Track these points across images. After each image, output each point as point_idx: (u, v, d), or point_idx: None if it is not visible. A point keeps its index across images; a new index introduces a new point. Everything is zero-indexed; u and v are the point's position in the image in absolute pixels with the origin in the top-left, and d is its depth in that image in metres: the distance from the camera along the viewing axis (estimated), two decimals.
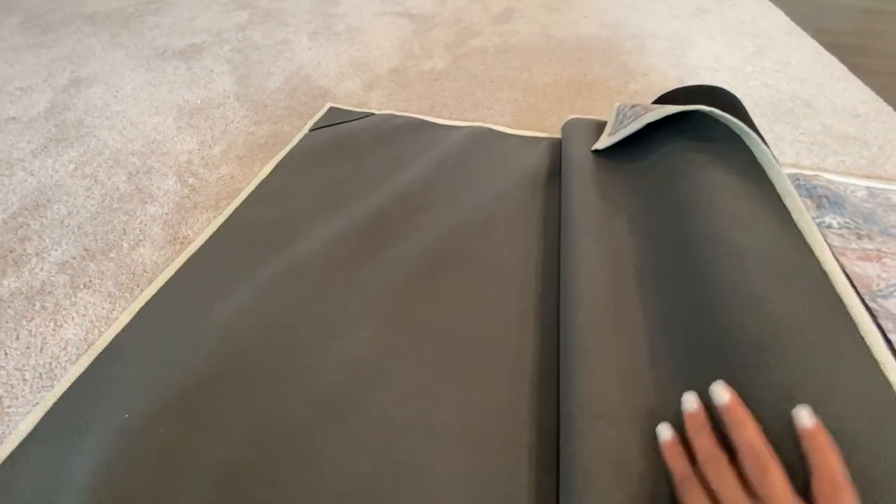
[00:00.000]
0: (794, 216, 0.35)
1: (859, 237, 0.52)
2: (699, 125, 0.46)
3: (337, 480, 0.32)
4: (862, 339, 0.28)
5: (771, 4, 1.16)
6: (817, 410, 0.24)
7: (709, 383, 0.28)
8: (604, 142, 0.52)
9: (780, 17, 1.10)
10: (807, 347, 0.28)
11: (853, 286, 0.31)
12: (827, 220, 0.54)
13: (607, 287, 0.38)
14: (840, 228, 0.53)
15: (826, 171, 0.63)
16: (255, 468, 0.33)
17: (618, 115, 0.54)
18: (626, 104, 0.55)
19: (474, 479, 0.32)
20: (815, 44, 0.98)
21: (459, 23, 1.05)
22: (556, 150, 0.61)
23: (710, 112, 0.44)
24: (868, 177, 0.62)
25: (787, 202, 0.36)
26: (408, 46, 0.95)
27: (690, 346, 0.32)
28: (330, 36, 0.99)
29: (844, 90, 0.81)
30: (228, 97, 0.77)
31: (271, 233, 0.51)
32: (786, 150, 0.67)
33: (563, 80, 0.82)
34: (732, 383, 0.27)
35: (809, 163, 0.64)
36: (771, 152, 0.41)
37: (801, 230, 0.34)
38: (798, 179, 0.60)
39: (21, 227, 0.53)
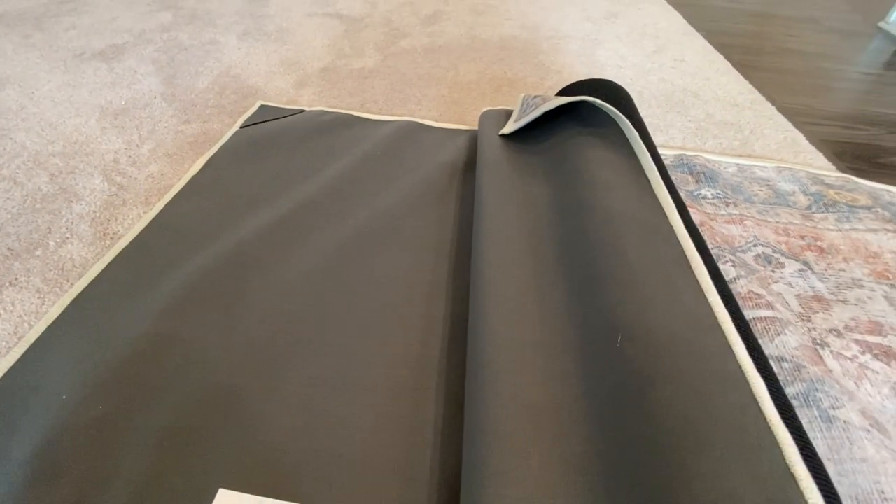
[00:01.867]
0: (652, 185, 0.43)
1: (727, 204, 0.62)
2: (586, 113, 0.53)
3: (272, 437, 0.36)
4: (693, 274, 0.35)
5: (671, 9, 1.30)
6: (657, 326, 0.31)
7: (587, 313, 0.34)
8: (509, 127, 0.59)
9: (678, 20, 1.23)
10: (654, 282, 0.35)
11: (696, 238, 0.39)
12: (703, 192, 0.64)
13: (510, 246, 0.44)
14: (713, 198, 0.63)
15: (706, 151, 0.73)
16: (192, 432, 0.36)
17: (522, 104, 0.61)
18: (531, 95, 0.62)
19: (396, 425, 0.37)
20: (706, 43, 1.11)
21: (389, 24, 1.09)
22: (475, 141, 0.67)
23: (594, 102, 0.51)
24: (739, 155, 0.72)
25: (648, 175, 0.44)
26: (339, 46, 0.98)
27: (573, 286, 0.38)
28: (260, 36, 1.00)
29: (727, 83, 0.93)
30: (155, 97, 0.77)
31: (204, 224, 0.53)
32: (675, 135, 0.76)
33: (486, 77, 0.89)
34: (603, 311, 0.34)
35: (694, 145, 0.74)
36: (642, 134, 0.49)
37: (657, 196, 0.42)
38: (682, 159, 0.69)
39: None
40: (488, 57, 0.97)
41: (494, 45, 1.02)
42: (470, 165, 0.63)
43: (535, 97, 0.61)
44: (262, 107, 0.75)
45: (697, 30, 1.18)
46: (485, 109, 0.70)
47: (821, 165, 0.71)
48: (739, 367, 0.30)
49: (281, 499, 0.33)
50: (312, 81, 0.84)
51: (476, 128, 0.71)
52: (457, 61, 0.94)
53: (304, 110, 0.75)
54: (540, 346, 0.37)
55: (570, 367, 0.35)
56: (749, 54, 1.11)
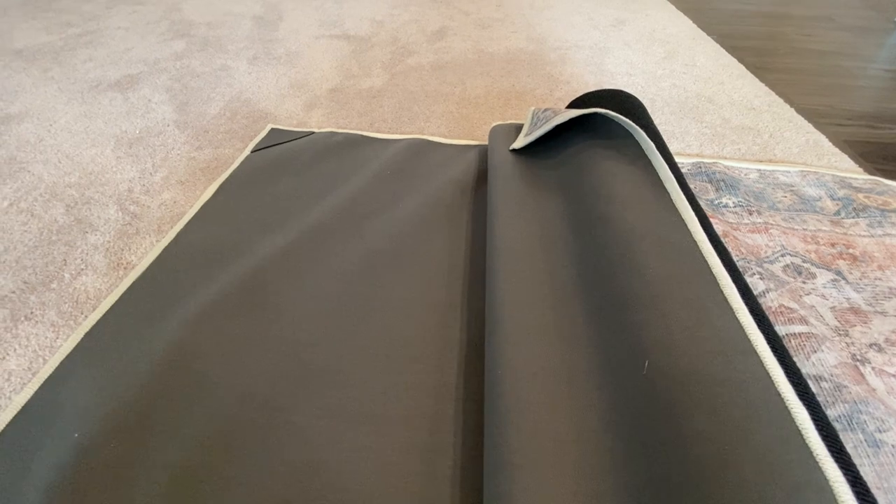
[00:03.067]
0: (672, 197, 0.41)
1: (750, 213, 0.59)
2: (599, 125, 0.52)
3: (286, 472, 0.35)
4: (721, 292, 0.33)
5: (679, 13, 1.28)
6: (685, 352, 0.29)
7: (608, 337, 0.32)
8: (520, 142, 0.58)
9: (687, 25, 1.21)
10: (679, 302, 0.33)
11: (721, 252, 0.37)
12: (724, 200, 0.62)
13: (525, 266, 0.42)
14: (735, 207, 0.60)
15: (724, 158, 0.71)
16: (205, 468, 0.35)
17: (532, 118, 0.60)
18: (540, 108, 0.61)
19: (413, 456, 0.36)
20: (718, 47, 1.09)
21: (396, 42, 1.10)
22: (486, 156, 0.67)
23: (606, 114, 0.50)
24: (760, 161, 0.70)
25: (667, 186, 0.42)
26: (346, 66, 0.98)
27: (592, 308, 0.36)
28: (269, 60, 1.01)
29: (742, 87, 0.91)
30: (168, 125, 0.78)
31: (217, 250, 0.53)
32: (691, 142, 0.74)
33: (493, 91, 0.88)
34: (625, 335, 0.32)
35: (711, 151, 0.72)
36: (658, 144, 0.47)
37: (677, 209, 0.40)
38: (700, 167, 0.67)
39: None
40: (495, 71, 0.96)
41: (501, 59, 1.01)
42: (481, 181, 0.62)
43: (546, 110, 0.60)
44: (272, 130, 0.75)
45: (708, 33, 1.17)
46: (494, 124, 0.69)
47: (847, 168, 0.68)
48: (779, 395, 0.27)
49: None
50: (322, 103, 0.85)
51: (486, 142, 0.71)
52: (464, 77, 0.94)
53: (314, 132, 0.75)
54: (560, 373, 0.35)
55: (593, 396, 0.33)
56: (763, 56, 1.09)
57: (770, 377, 0.28)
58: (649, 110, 0.80)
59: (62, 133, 0.76)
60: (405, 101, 0.85)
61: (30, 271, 0.52)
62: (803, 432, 0.25)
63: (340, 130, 0.75)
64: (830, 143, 0.73)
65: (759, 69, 1.00)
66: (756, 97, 0.87)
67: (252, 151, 0.70)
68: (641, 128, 0.49)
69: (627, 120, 0.48)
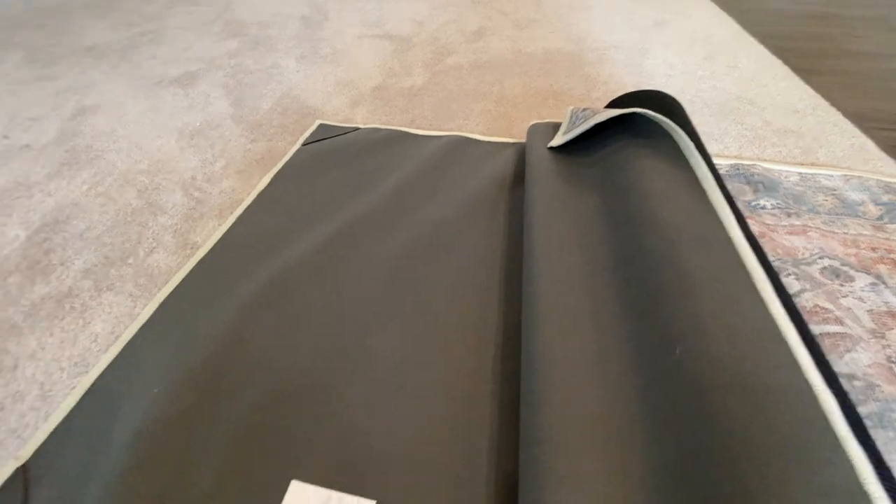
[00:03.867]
0: (709, 195, 0.43)
1: (788, 215, 0.60)
2: (638, 125, 0.54)
3: (339, 435, 0.38)
4: (754, 286, 0.35)
5: (723, 14, 1.26)
6: (716, 338, 0.31)
7: (642, 325, 0.35)
8: (558, 140, 0.60)
9: (730, 25, 1.19)
10: (712, 294, 0.35)
11: (756, 249, 0.39)
12: (761, 202, 0.62)
13: (562, 258, 0.45)
14: (772, 209, 0.61)
15: (764, 160, 0.70)
16: (266, 427, 0.39)
17: (571, 117, 0.62)
18: (579, 107, 0.63)
19: (453, 429, 0.39)
20: (763, 48, 1.07)
21: (436, 42, 1.13)
22: (523, 153, 0.69)
23: (645, 113, 0.52)
24: (801, 164, 0.70)
25: (705, 185, 0.44)
26: (389, 66, 1.02)
27: (627, 297, 0.38)
28: (316, 59, 1.06)
29: (786, 89, 0.90)
30: (225, 119, 0.84)
31: (272, 236, 0.58)
32: (730, 144, 0.74)
33: (531, 90, 0.90)
34: (658, 323, 0.34)
35: (751, 154, 0.72)
36: (697, 144, 0.48)
37: (714, 206, 0.42)
38: (738, 168, 0.68)
39: (44, 241, 0.59)
40: (533, 70, 0.98)
41: (539, 59, 1.03)
42: (518, 178, 0.65)
43: (585, 110, 0.62)
44: (320, 125, 0.80)
45: (752, 34, 1.14)
46: (532, 122, 0.71)
47: (893, 173, 0.67)
48: (806, 381, 0.29)
49: (347, 493, 0.35)
50: (366, 100, 0.89)
51: (523, 140, 0.73)
52: (502, 76, 0.96)
53: (359, 128, 0.79)
54: (595, 357, 0.37)
55: (625, 378, 0.35)
56: (809, 58, 1.06)
57: (798, 364, 0.30)
58: (688, 111, 0.80)
59: (132, 124, 0.83)
60: (445, 100, 0.88)
61: (109, 248, 0.58)
62: (828, 416, 0.27)
63: (384, 127, 0.79)
64: (877, 148, 0.72)
65: (805, 71, 0.98)
66: (800, 100, 0.86)
67: (302, 145, 0.75)
68: (680, 128, 0.50)
69: (667, 119, 0.50)
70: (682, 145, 0.48)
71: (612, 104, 0.64)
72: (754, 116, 0.81)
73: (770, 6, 1.39)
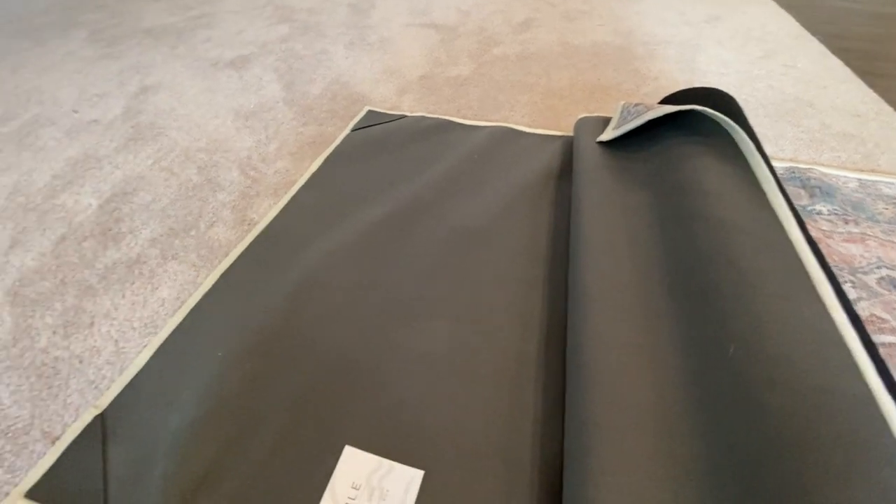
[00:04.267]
0: (769, 197, 0.42)
1: (846, 222, 0.58)
2: (694, 122, 0.53)
3: (391, 406, 0.40)
4: (815, 289, 0.34)
5: (781, 11, 1.21)
6: (774, 339, 0.31)
7: (694, 321, 0.35)
8: (608, 134, 0.60)
9: (789, 23, 1.15)
10: (770, 295, 0.34)
11: (817, 253, 0.38)
12: (818, 207, 0.60)
13: (610, 252, 0.45)
14: (829, 215, 0.59)
15: (822, 164, 0.68)
16: (322, 394, 0.41)
17: (622, 112, 0.62)
18: (631, 102, 0.63)
19: (498, 410, 0.40)
20: (823, 48, 1.03)
21: (482, 32, 1.13)
22: (570, 147, 0.69)
23: (703, 111, 0.51)
24: (861, 170, 0.67)
25: (764, 186, 0.43)
26: (435, 55, 1.03)
27: (678, 294, 0.39)
28: (364, 46, 1.08)
29: (847, 91, 0.86)
30: (278, 102, 0.87)
31: (324, 216, 0.60)
32: (785, 147, 0.72)
33: (578, 84, 0.90)
34: (712, 320, 0.34)
35: (807, 157, 0.70)
36: (756, 145, 0.48)
37: (773, 208, 0.41)
38: (793, 171, 0.66)
39: (114, 210, 0.63)
40: (581, 63, 0.97)
41: (587, 52, 1.02)
42: (564, 171, 0.65)
43: (637, 105, 0.61)
44: (369, 112, 0.82)
45: (812, 33, 1.10)
46: (581, 116, 0.71)
47: None
48: (866, 386, 0.29)
49: (398, 461, 0.37)
50: (412, 88, 0.90)
51: (570, 134, 0.73)
52: (549, 68, 0.96)
53: (406, 116, 0.80)
54: (643, 349, 0.38)
55: (674, 372, 0.36)
56: (874, 60, 1.01)
57: (859, 368, 0.29)
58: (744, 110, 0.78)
59: (190, 104, 0.87)
60: (491, 90, 0.89)
61: (173, 220, 0.61)
62: (889, 420, 0.27)
63: (430, 115, 0.80)
64: None
65: (868, 74, 0.93)
66: (862, 103, 0.82)
67: (352, 130, 0.77)
68: (739, 127, 0.49)
69: (726, 118, 0.49)
70: (741, 145, 0.47)
71: (666, 101, 0.63)
72: (812, 119, 0.78)
73: (832, 4, 1.32)
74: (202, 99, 0.89)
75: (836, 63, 0.96)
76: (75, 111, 0.87)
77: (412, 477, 0.36)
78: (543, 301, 0.48)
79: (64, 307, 0.51)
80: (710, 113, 0.50)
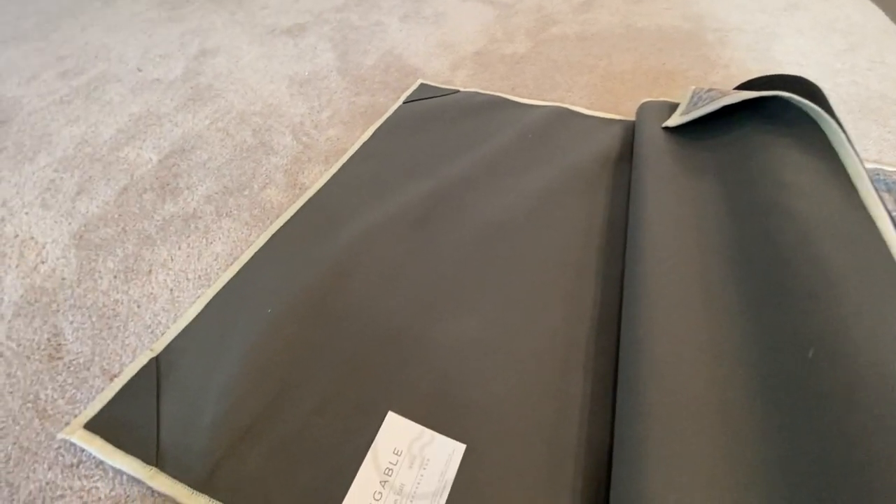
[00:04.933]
0: (862, 195, 0.38)
1: None
2: (776, 110, 0.49)
3: (434, 378, 0.40)
4: None
5: (868, 2, 1.11)
6: (862, 346, 0.29)
7: (766, 320, 0.32)
8: (676, 120, 0.56)
9: (877, 15, 1.05)
10: (860, 298, 0.32)
11: None
12: None
13: (673, 242, 0.43)
14: None
15: None
16: (366, 360, 0.41)
17: (693, 97, 0.58)
18: (702, 88, 0.59)
19: (543, 393, 0.39)
20: None
21: (540, 10, 1.09)
22: (630, 131, 0.66)
23: (790, 98, 0.47)
24: None
25: (857, 183, 0.39)
26: (491, 31, 1.00)
27: (749, 290, 0.36)
28: (419, 20, 1.06)
29: None
30: (331, 71, 0.87)
31: (373, 185, 0.60)
32: (869, 147, 0.66)
33: (641, 68, 0.85)
34: (790, 321, 0.32)
35: (893, 160, 0.64)
36: (848, 139, 0.44)
37: (867, 207, 0.38)
38: (878, 174, 0.60)
39: (173, 166, 0.65)
40: (644, 47, 0.92)
41: (652, 35, 0.97)
42: (623, 156, 0.62)
43: (710, 90, 0.58)
44: (421, 85, 0.80)
45: None
46: (644, 100, 0.67)
47: None
48: None
49: (441, 433, 0.37)
50: (466, 64, 0.88)
51: (631, 119, 0.69)
52: (610, 50, 0.91)
53: (459, 91, 0.78)
54: (706, 345, 0.36)
55: (741, 371, 0.34)
56: None
57: None
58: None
59: (246, 69, 0.88)
60: (547, 70, 0.86)
61: (228, 179, 0.62)
62: None
63: (484, 91, 0.78)
64: None
65: None
66: None
67: (404, 103, 0.76)
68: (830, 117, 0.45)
69: (815, 106, 0.45)
70: (831, 136, 0.44)
71: (744, 87, 0.59)
72: None
73: None
74: (258, 64, 0.90)
75: None
76: (139, 69, 0.90)
77: (454, 449, 0.36)
78: (595, 287, 0.46)
79: (125, 254, 0.53)
80: (798, 100, 0.46)
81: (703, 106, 0.55)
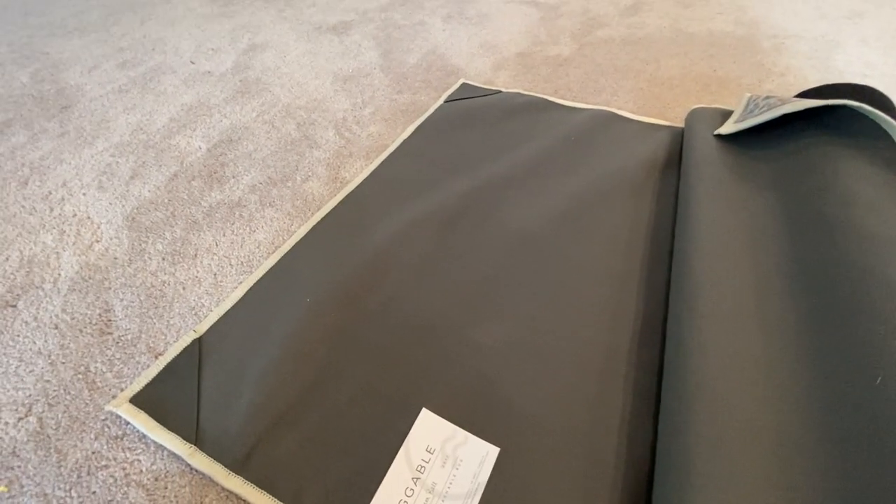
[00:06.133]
0: None
1: None
2: (841, 120, 0.46)
3: (469, 379, 0.39)
4: None
5: None
6: None
7: (829, 340, 0.31)
8: (730, 127, 0.54)
9: None
10: None
11: None
12: None
13: (725, 254, 0.41)
14: None
15: None
16: (402, 355, 0.41)
17: (748, 104, 0.55)
18: (759, 95, 0.56)
19: (583, 403, 0.38)
20: None
21: (586, 13, 1.07)
22: (678, 138, 0.63)
23: (859, 107, 0.44)
24: None
25: None
26: (534, 33, 0.99)
27: (809, 308, 0.34)
28: (462, 20, 1.06)
29: None
30: (374, 68, 0.88)
31: (413, 182, 0.60)
32: None
33: (691, 74, 0.82)
34: (855, 343, 0.30)
35: None
36: None
37: None
38: None
39: (220, 155, 0.67)
40: (694, 53, 0.89)
41: (702, 41, 0.93)
42: (671, 163, 0.60)
43: (768, 97, 0.55)
44: (463, 85, 0.80)
45: None
46: (694, 107, 0.65)
47: None
48: None
49: (474, 434, 0.36)
50: (509, 65, 0.87)
51: (679, 125, 0.67)
52: (658, 55, 0.89)
53: (501, 91, 0.78)
54: (761, 363, 0.34)
55: (799, 393, 0.32)
56: None
57: None
58: None
59: (293, 64, 0.90)
60: (592, 73, 0.84)
61: (272, 170, 0.64)
62: None
63: (527, 93, 0.77)
64: None
65: None
66: None
67: (445, 102, 0.76)
68: None
69: (886, 117, 0.42)
70: None
71: (805, 95, 0.56)
72: None
73: None
74: (304, 60, 0.92)
75: None
76: (192, 62, 0.93)
77: (488, 452, 0.35)
78: (638, 297, 0.45)
79: (173, 237, 0.54)
80: (868, 109, 0.44)
81: (760, 114, 0.53)
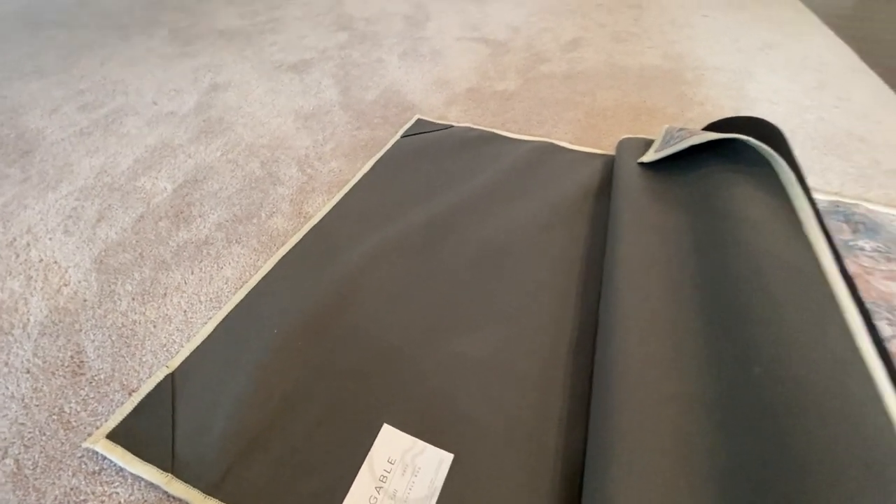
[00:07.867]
0: (805, 228, 0.43)
1: (889, 260, 0.58)
2: (737, 150, 0.55)
3: (427, 394, 0.44)
4: (843, 318, 0.36)
5: (839, 41, 1.19)
6: (798, 365, 0.33)
7: (722, 344, 0.37)
8: (650, 156, 0.62)
9: (847, 55, 1.13)
10: (798, 322, 0.36)
11: (850, 286, 0.39)
12: (860, 243, 0.60)
13: (644, 270, 0.47)
14: (871, 251, 0.59)
15: (868, 201, 0.68)
16: (365, 376, 0.45)
17: (665, 135, 0.64)
18: (675, 126, 0.64)
19: (527, 407, 0.43)
20: (881, 83, 1.00)
21: (530, 49, 1.17)
22: (610, 165, 0.71)
23: (746, 140, 0.53)
24: None
25: (801, 217, 0.44)
26: (484, 69, 1.07)
27: (709, 316, 0.41)
28: (417, 57, 1.13)
29: None
30: (334, 105, 0.93)
31: (372, 214, 0.64)
32: (832, 180, 0.72)
33: (623, 105, 0.92)
34: (739, 344, 0.36)
35: (853, 193, 0.69)
36: (798, 177, 0.49)
37: (809, 239, 0.42)
38: (837, 205, 0.66)
39: (186, 195, 0.70)
40: (627, 85, 0.99)
41: (634, 74, 1.04)
42: (603, 188, 0.67)
43: (681, 129, 0.63)
44: (418, 120, 0.86)
45: (871, 66, 1.07)
46: (623, 137, 0.73)
47: None
48: (888, 417, 0.30)
49: (431, 444, 0.40)
50: (460, 100, 0.94)
51: (611, 153, 0.75)
52: (595, 88, 0.98)
53: (453, 126, 0.84)
54: (672, 363, 0.40)
55: (698, 387, 0.38)
56: None
57: (882, 399, 0.31)
58: (790, 142, 0.78)
59: (255, 103, 0.95)
60: (536, 106, 0.92)
61: (237, 208, 0.67)
62: None
63: (476, 127, 0.84)
64: None
65: None
66: None
67: (402, 137, 0.82)
68: (781, 158, 0.51)
69: (768, 148, 0.51)
70: (782, 176, 0.49)
71: (710, 128, 0.65)
72: (863, 154, 0.77)
73: (894, 37, 1.28)
74: (266, 99, 0.96)
75: (892, 98, 0.94)
76: (155, 103, 0.96)
77: (442, 458, 0.39)
78: (575, 311, 0.51)
79: (142, 277, 0.57)
80: (753, 143, 0.52)
81: (674, 144, 0.61)
